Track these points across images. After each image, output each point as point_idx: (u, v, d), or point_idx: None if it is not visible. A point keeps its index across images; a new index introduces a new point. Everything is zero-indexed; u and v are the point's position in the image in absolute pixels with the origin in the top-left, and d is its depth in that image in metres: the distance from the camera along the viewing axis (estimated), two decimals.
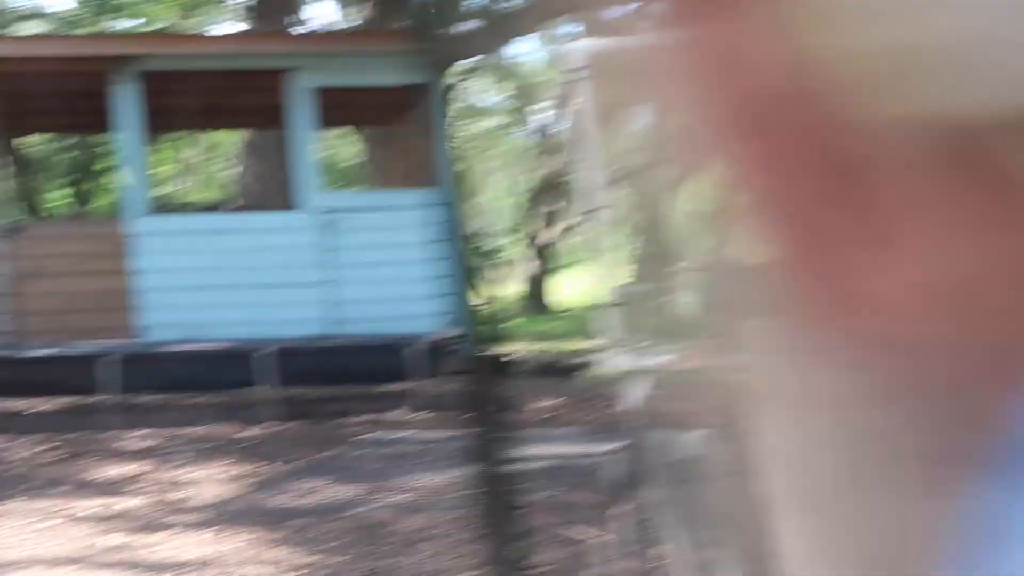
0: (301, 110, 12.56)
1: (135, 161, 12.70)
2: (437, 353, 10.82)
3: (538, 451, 4.90)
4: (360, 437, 9.51)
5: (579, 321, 31.62)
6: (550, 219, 36.77)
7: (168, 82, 13.40)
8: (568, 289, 41.92)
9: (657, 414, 4.41)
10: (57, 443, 9.37)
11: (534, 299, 35.52)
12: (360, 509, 7.60)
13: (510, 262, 44.06)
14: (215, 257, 12.36)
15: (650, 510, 4.23)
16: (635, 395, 4.46)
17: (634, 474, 4.10)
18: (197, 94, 14.73)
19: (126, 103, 12.32)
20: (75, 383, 10.66)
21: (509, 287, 36.42)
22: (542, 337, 26.41)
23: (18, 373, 10.62)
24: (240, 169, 20.82)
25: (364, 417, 10.19)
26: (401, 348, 10.77)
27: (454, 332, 11.77)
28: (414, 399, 10.59)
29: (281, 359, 10.30)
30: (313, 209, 12.63)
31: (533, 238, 36.11)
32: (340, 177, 33.14)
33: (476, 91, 37.04)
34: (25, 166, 19.70)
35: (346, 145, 32.89)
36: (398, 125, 16.52)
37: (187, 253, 12.39)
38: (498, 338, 23.58)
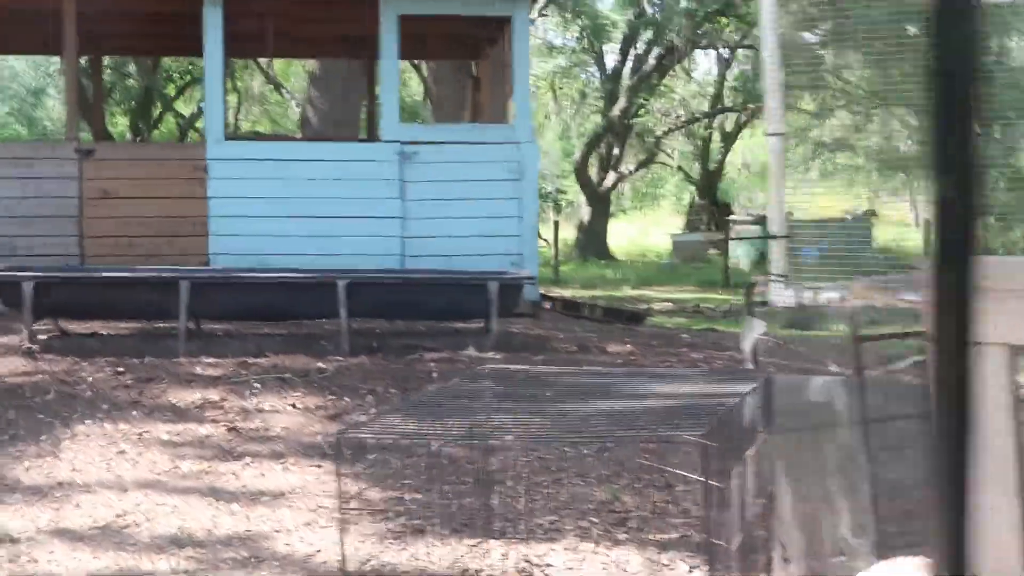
0: (387, 38, 12.37)
1: (214, 86, 12.57)
2: (509, 292, 10.65)
3: (650, 389, 4.73)
4: (433, 373, 9.37)
5: (637, 268, 31.46)
6: (609, 164, 36.47)
7: (251, 5, 13.26)
8: (624, 235, 41.70)
9: (778, 358, 4.24)
10: (128, 368, 9.29)
11: (591, 244, 35.31)
12: (435, 445, 7.47)
13: (568, 205, 43.83)
14: (288, 186, 12.24)
15: (773, 455, 4.06)
16: (754, 339, 4.29)
17: (757, 418, 3.93)
18: (279, 19, 14.59)
19: (209, 26, 12.17)
20: (145, 308, 10.58)
21: (566, 231, 36.22)
22: (598, 283, 26.28)
23: (88, 296, 10.54)
24: (314, 98, 20.69)
25: (436, 354, 10.05)
26: (474, 285, 10.60)
27: (526, 272, 11.61)
28: (486, 338, 10.43)
29: (353, 292, 10.16)
30: (391, 141, 12.47)
31: (592, 182, 35.83)
32: (412, 111, 32.99)
33: (548, 29, 36.70)
34: (96, 89, 19.62)
35: (416, 79, 32.64)
36: (478, 58, 16.32)
37: (260, 181, 12.27)
38: (560, 281, 23.48)
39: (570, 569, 5.94)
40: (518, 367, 5.29)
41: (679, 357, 10.61)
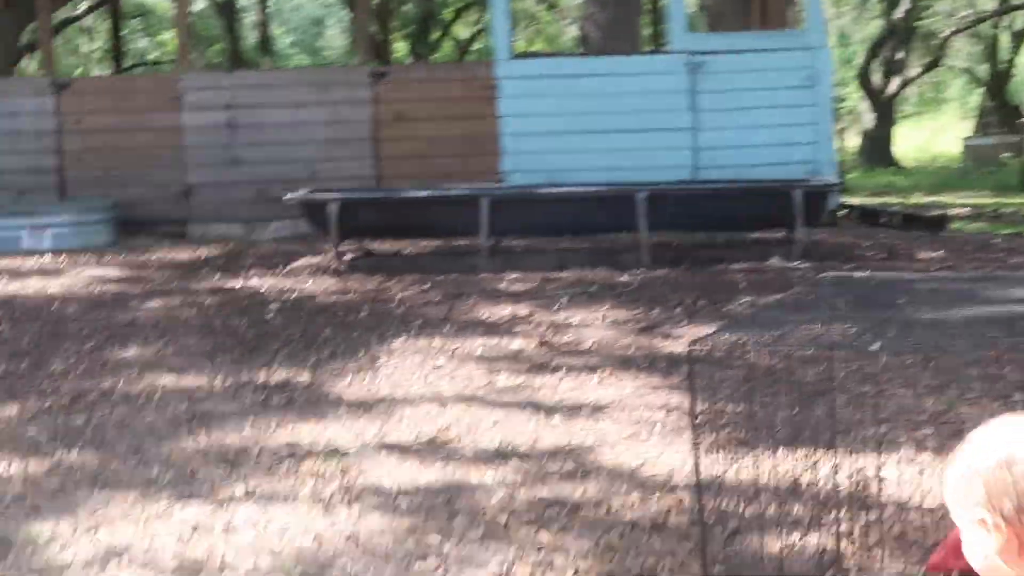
0: None
1: (500, 5, 12.53)
2: (815, 200, 10.31)
3: (1013, 295, 4.42)
4: (741, 284, 9.15)
5: (927, 174, 30.36)
6: (892, 69, 35.20)
7: None
8: (910, 142, 40.27)
9: None
10: (435, 285, 9.37)
11: (875, 152, 34.26)
12: (750, 357, 7.26)
13: (849, 113, 42.57)
14: (577, 102, 12.15)
15: None
16: None
17: None
18: None
19: None
20: (446, 226, 10.66)
21: (849, 139, 35.21)
22: (888, 190, 25.42)
23: (391, 215, 10.69)
24: (592, 14, 20.49)
25: (741, 264, 9.82)
26: (778, 194, 10.30)
27: (833, 179, 11.23)
28: (789, 247, 10.14)
29: (650, 204, 9.99)
30: (679, 51, 12.22)
31: (875, 88, 34.68)
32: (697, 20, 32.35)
33: None
34: (382, 14, 19.88)
35: None
36: None
37: (550, 98, 12.22)
38: (847, 190, 22.74)
39: (907, 482, 5.68)
40: (861, 273, 5.03)
41: (998, 262, 10.10)
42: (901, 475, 5.74)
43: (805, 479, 5.75)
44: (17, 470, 6.10)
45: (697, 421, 4.12)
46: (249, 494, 5.72)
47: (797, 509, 5.43)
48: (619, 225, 10.55)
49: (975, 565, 2.20)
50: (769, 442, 6.12)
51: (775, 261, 9.88)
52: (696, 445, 4.08)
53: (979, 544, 2.17)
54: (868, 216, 14.64)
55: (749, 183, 10.97)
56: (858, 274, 4.99)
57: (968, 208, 20.08)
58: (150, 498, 5.70)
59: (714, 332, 4.26)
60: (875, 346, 3.98)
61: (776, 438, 6.19)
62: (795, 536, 5.16)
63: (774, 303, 5.31)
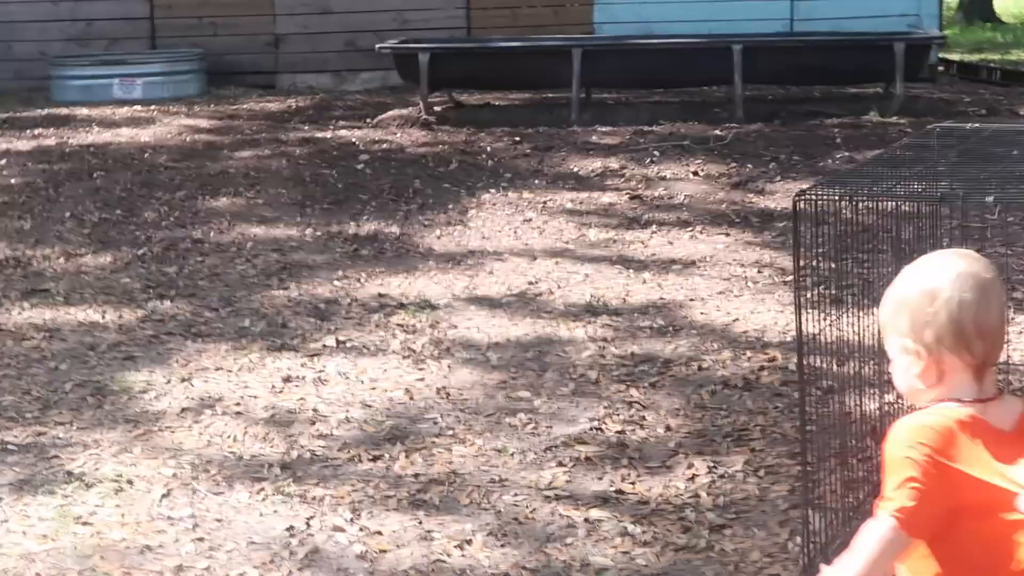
0: None
1: None
2: (916, 54, 10.01)
3: None
4: (837, 139, 8.95)
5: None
6: None
7: None
8: None
9: None
10: (525, 137, 9.26)
11: (975, 6, 33.26)
12: (846, 213, 7.11)
13: None
14: None
15: None
16: None
17: None
18: None
19: None
20: (536, 77, 10.50)
21: None
22: (987, 46, 24.67)
23: (481, 66, 10.55)
24: None
25: (837, 119, 9.59)
26: (878, 47, 10.02)
27: (935, 32, 10.90)
28: (887, 102, 9.88)
29: (746, 57, 9.75)
30: None
31: None
32: None
33: None
34: None
35: None
36: None
37: None
38: (945, 45, 22.07)
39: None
40: (973, 125, 4.86)
41: None
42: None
43: None
44: (112, 318, 6.16)
45: (800, 277, 4.03)
46: (340, 345, 5.74)
47: None
48: (713, 78, 10.35)
49: (899, 387, 2.39)
50: (865, 299, 6.01)
51: (872, 116, 9.64)
52: (797, 301, 3.99)
53: (904, 368, 2.33)
54: (967, 71, 14.23)
55: (848, 35, 10.67)
56: (970, 125, 4.80)
57: None
58: (242, 348, 5.74)
59: (815, 185, 4.14)
60: (989, 198, 3.84)
61: (873, 297, 6.08)
62: (891, 395, 5.08)
63: (880, 157, 5.16)
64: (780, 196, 7.69)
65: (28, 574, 3.96)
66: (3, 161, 8.91)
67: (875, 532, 2.28)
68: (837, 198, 3.95)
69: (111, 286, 6.62)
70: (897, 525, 2.24)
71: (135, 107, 10.95)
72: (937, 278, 2.29)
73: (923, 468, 2.23)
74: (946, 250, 2.50)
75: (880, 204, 4.17)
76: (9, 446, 4.81)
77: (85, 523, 4.23)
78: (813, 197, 3.89)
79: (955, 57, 18.43)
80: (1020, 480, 2.20)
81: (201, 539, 4.12)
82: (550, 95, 10.71)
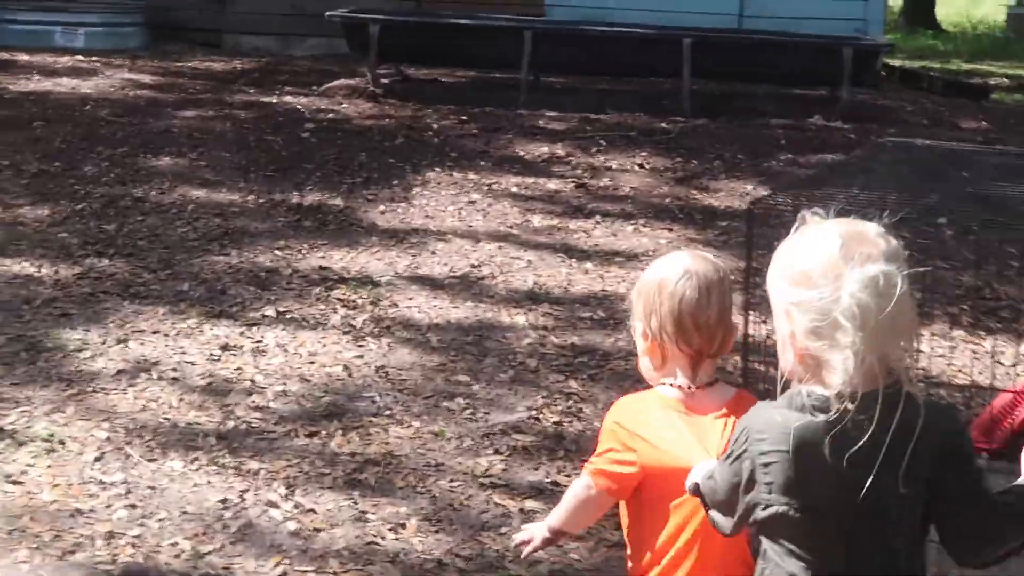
0: None
1: None
2: (864, 60, 10.10)
3: None
4: (781, 140, 9.01)
5: (968, 40, 29.76)
6: None
7: None
8: (953, 5, 39.46)
9: None
10: (472, 117, 9.24)
11: (917, 14, 33.57)
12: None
13: None
14: None
15: None
16: None
17: None
18: None
19: None
20: (486, 56, 10.48)
21: None
22: (928, 54, 24.92)
23: (431, 41, 10.50)
24: None
25: (782, 120, 9.66)
26: (826, 50, 10.10)
27: (884, 39, 10.99)
28: (832, 106, 9.97)
29: (698, 50, 9.79)
30: None
31: None
32: None
33: None
34: None
35: None
36: None
37: None
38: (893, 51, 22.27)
39: (940, 356, 5.64)
40: (924, 141, 4.91)
41: None
42: (934, 348, 5.68)
43: None
44: (48, 273, 6.07)
45: (750, 280, 4.07)
46: (279, 316, 5.70)
47: None
48: (662, 70, 10.37)
49: (640, 365, 2.67)
50: None
51: (817, 119, 9.72)
52: (747, 305, 4.03)
53: (639, 350, 2.64)
54: (909, 79, 14.38)
55: (799, 36, 10.74)
56: (920, 141, 4.86)
57: (1007, 79, 19.69)
58: (180, 313, 5.68)
59: (772, 193, 4.17)
60: (942, 219, 3.90)
61: None
62: None
63: (838, 164, 5.21)
64: (724, 195, 7.74)
65: None
66: None
67: (575, 488, 2.73)
68: (791, 206, 3.98)
69: (48, 240, 6.53)
70: (591, 483, 2.64)
71: (77, 56, 10.79)
72: (668, 272, 2.57)
73: (619, 438, 2.58)
74: (686, 250, 2.76)
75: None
76: None
77: (15, 482, 4.17)
78: (769, 204, 3.92)
79: (896, 63, 18.62)
80: (693, 460, 2.45)
81: (133, 506, 4.08)
82: (499, 75, 10.68)
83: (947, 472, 2.18)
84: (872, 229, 2.16)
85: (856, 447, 2.09)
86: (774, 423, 2.16)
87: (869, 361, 2.07)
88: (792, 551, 2.21)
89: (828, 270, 2.09)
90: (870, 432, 2.08)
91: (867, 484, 2.11)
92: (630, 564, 2.70)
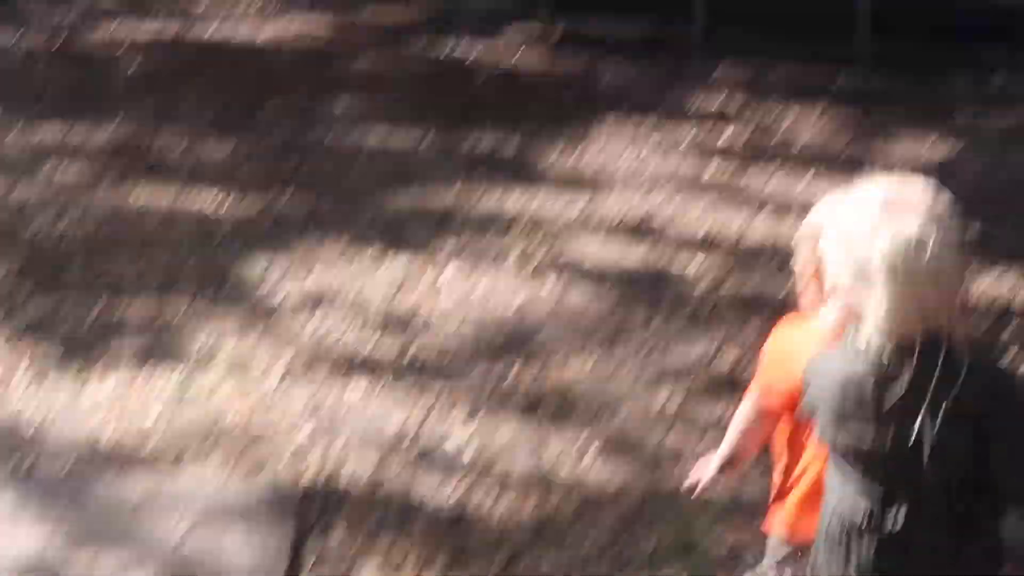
0: None
1: None
2: None
3: None
4: (963, 98, 8.77)
5: None
6: None
7: None
8: None
9: None
10: (644, 66, 9.17)
11: None
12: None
13: None
14: None
15: None
16: None
17: None
18: None
19: None
20: (655, 5, 10.35)
21: None
22: None
23: None
24: None
25: (965, 80, 9.38)
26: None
27: None
28: (1009, 65, 9.65)
29: (875, 4, 9.54)
30: None
31: None
32: None
33: None
34: None
35: None
36: None
37: None
38: None
39: None
40: None
41: None
42: None
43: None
44: (230, 206, 6.21)
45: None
46: (456, 254, 5.75)
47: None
48: (842, 23, 10.15)
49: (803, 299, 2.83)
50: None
51: (999, 77, 9.43)
52: None
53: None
54: None
55: None
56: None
57: None
58: (359, 247, 5.77)
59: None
60: None
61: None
62: None
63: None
64: (904, 148, 7.59)
65: (147, 446, 4.03)
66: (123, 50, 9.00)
67: (737, 413, 2.89)
68: None
69: (230, 175, 6.67)
70: (750, 402, 2.82)
71: (252, 5, 10.97)
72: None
73: (776, 360, 2.73)
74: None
75: None
76: (130, 321, 4.88)
77: (203, 400, 4.29)
78: None
79: None
80: None
81: (316, 428, 4.17)
82: (674, 25, 10.56)
83: (995, 420, 2.22)
84: (918, 188, 2.28)
85: (890, 397, 2.20)
86: (825, 367, 2.33)
87: (902, 316, 2.18)
88: (849, 477, 2.32)
89: (867, 226, 2.23)
90: (906, 383, 2.18)
91: (900, 433, 2.20)
92: (776, 479, 2.81)
